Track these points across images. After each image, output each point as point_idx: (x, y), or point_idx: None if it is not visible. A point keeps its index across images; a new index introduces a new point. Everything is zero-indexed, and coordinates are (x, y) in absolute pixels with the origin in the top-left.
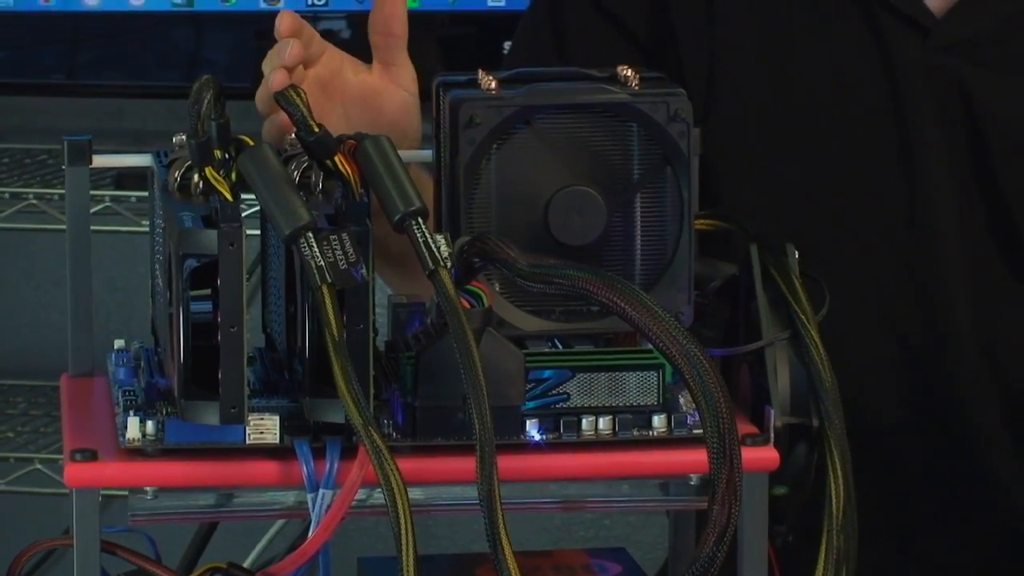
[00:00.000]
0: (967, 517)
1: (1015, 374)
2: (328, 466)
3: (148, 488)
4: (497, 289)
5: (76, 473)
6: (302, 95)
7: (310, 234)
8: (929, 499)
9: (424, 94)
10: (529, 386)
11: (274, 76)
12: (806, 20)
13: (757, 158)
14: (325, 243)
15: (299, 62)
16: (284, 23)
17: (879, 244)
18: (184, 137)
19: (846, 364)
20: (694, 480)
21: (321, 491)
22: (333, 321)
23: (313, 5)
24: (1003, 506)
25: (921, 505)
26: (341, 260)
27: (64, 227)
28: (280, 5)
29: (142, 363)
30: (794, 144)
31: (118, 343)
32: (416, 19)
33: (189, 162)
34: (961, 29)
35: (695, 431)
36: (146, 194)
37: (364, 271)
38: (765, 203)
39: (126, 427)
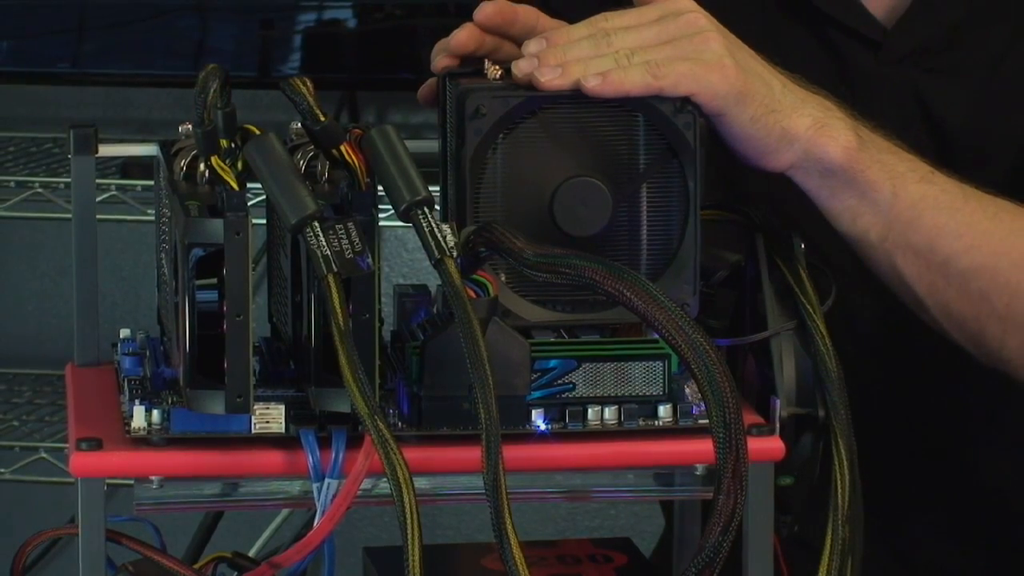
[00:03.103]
0: (953, 507)
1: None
2: (333, 455)
3: (153, 477)
4: (503, 279)
5: (81, 462)
6: (308, 85)
7: (316, 223)
8: (914, 488)
9: None
10: (535, 376)
11: (438, 60)
12: (762, 40)
13: (718, 177)
14: (331, 232)
15: (467, 50)
16: (481, 13)
17: (845, 259)
18: (190, 126)
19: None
20: (700, 470)
21: (327, 480)
22: (339, 310)
23: None
24: (986, 491)
25: (905, 495)
26: (347, 249)
27: (70, 216)
28: None
29: (148, 352)
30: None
31: (124, 332)
32: (422, 8)
33: (195, 151)
34: (911, 39)
35: (701, 421)
36: (152, 183)
37: (370, 260)
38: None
39: (132, 416)
